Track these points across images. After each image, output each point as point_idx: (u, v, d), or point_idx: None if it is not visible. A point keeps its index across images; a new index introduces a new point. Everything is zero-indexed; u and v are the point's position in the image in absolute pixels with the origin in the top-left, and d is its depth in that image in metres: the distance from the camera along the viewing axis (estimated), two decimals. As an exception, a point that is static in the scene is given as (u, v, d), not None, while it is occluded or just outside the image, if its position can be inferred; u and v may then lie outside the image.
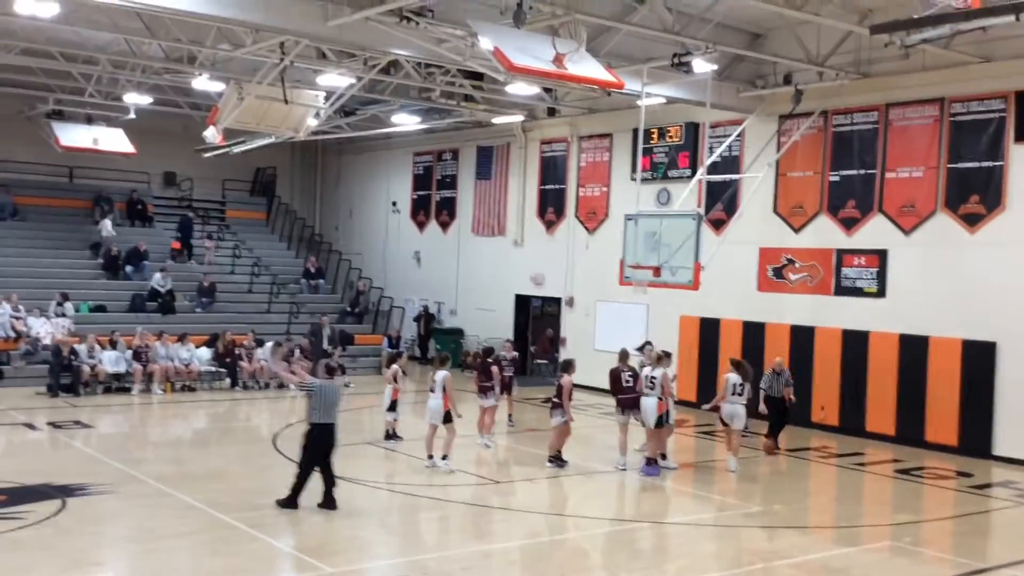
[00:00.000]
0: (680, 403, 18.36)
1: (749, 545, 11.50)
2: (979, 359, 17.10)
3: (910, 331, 18.09)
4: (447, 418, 14.41)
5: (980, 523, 13.26)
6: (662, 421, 14.82)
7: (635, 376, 15.22)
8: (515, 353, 18.42)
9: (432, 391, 14.48)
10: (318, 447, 11.88)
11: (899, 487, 15.18)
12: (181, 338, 22.51)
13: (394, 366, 16.58)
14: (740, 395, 15.26)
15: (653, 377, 14.89)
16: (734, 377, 15.35)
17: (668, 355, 15.43)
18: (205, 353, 22.74)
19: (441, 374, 14.40)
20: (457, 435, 14.67)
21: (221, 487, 13.03)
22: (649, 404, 14.82)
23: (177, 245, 28.19)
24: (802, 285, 19.99)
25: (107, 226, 27.64)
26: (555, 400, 14.90)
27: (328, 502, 11.85)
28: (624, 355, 15.60)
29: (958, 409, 17.28)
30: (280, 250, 31.47)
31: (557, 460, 15.01)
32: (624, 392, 15.17)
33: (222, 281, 27.17)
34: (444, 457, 14.36)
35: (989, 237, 17.27)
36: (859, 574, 9.78)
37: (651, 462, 14.86)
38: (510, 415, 18.31)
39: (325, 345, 23.01)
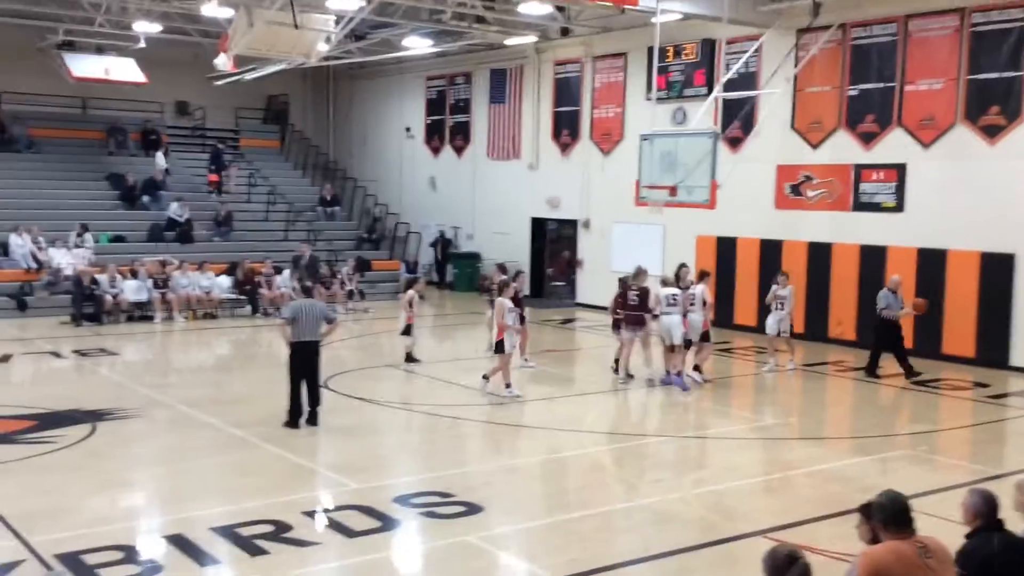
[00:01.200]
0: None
1: (765, 456, 11.69)
2: (997, 271, 17.08)
3: (928, 245, 18.06)
4: (499, 347, 14.14)
5: (996, 431, 13.41)
6: (708, 336, 15.31)
7: (642, 295, 15.38)
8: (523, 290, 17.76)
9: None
10: (298, 365, 12.14)
11: (916, 398, 15.31)
12: (200, 267, 22.71)
13: (410, 291, 16.74)
14: (675, 305, 15.27)
15: (675, 295, 15.14)
16: (666, 290, 15.40)
17: (708, 274, 15.90)
18: (225, 281, 22.97)
19: (498, 301, 14.36)
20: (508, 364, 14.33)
21: (246, 410, 13.28)
22: (674, 321, 15.13)
23: (215, 178, 27.99)
24: (820, 202, 19.91)
25: (160, 160, 27.62)
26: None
27: (311, 418, 12.22)
28: (637, 274, 15.68)
29: (975, 321, 17.32)
30: (295, 178, 31.49)
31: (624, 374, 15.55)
32: (629, 309, 15.43)
33: (239, 210, 27.29)
34: (508, 385, 14.04)
35: (1009, 149, 17.11)
36: (874, 481, 9.93)
37: (679, 374, 15.21)
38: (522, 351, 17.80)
39: (302, 274, 22.34)
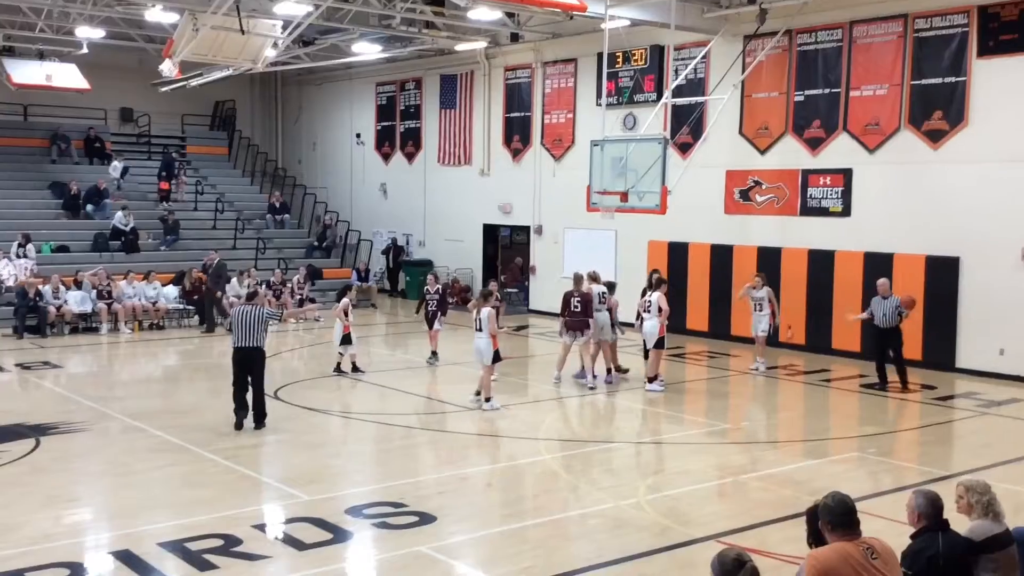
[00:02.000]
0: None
1: (718, 460, 11.81)
2: (942, 274, 17.44)
3: (875, 249, 18.39)
4: (496, 357, 13.99)
5: (943, 433, 13.68)
6: (662, 343, 15.53)
7: (584, 301, 15.74)
8: (439, 286, 18.10)
9: (479, 330, 13.96)
10: (238, 369, 12.61)
11: (865, 401, 15.57)
12: (147, 276, 22.42)
13: (344, 300, 16.53)
14: (603, 303, 16.07)
15: (650, 300, 15.57)
16: (597, 287, 16.19)
17: (664, 281, 16.14)
18: (172, 291, 22.69)
19: (485, 311, 13.94)
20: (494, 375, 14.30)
21: (194, 422, 13.14)
22: (649, 326, 15.51)
23: (166, 185, 27.60)
24: (769, 206, 20.18)
25: (116, 168, 27.22)
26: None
27: (256, 421, 12.67)
28: (578, 279, 16.12)
29: (922, 324, 17.65)
30: (243, 185, 31.23)
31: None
32: (571, 315, 15.79)
33: (186, 218, 26.99)
34: (487, 400, 13.97)
35: (952, 154, 17.48)
36: (824, 484, 10.07)
37: (652, 380, 15.55)
38: (433, 352, 17.71)
39: (208, 282, 21.94)
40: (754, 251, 20.19)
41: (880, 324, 15.76)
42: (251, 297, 13.48)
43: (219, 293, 21.74)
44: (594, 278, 16.34)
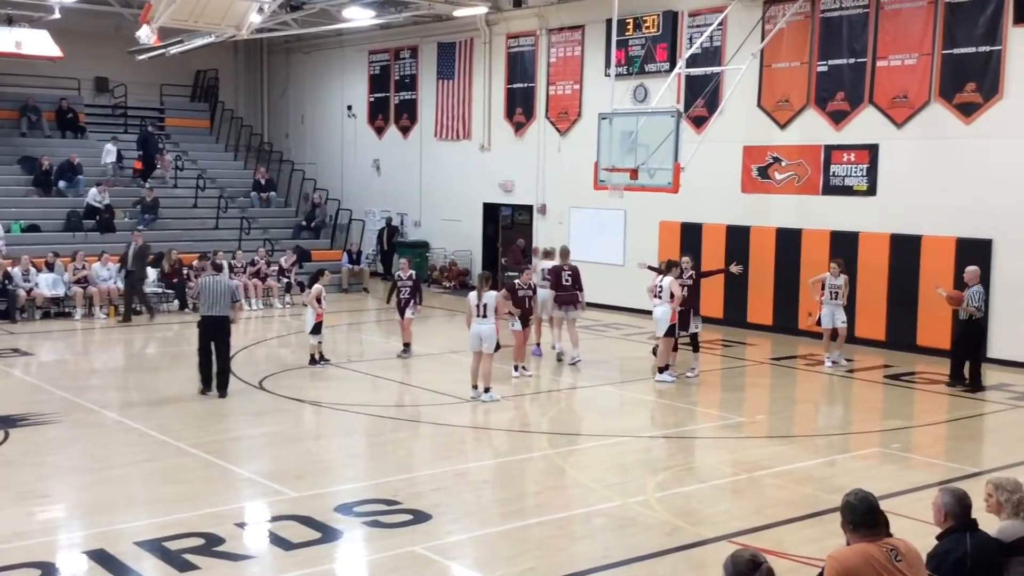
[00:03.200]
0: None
1: (732, 456, 11.83)
2: (974, 258, 17.34)
3: (902, 230, 18.36)
4: (497, 345, 14.03)
5: (973, 427, 13.70)
6: (673, 331, 15.46)
7: (574, 275, 16.64)
8: (412, 272, 17.56)
9: (483, 316, 13.91)
10: (205, 336, 14.02)
11: (889, 393, 15.59)
12: (122, 258, 22.40)
13: (316, 286, 16.41)
14: (547, 280, 16.88)
15: (661, 285, 15.54)
16: (545, 263, 17.33)
17: (676, 264, 16.05)
18: (150, 273, 22.69)
19: (490, 295, 13.92)
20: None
21: (174, 413, 13.18)
22: (660, 312, 15.49)
23: (139, 165, 27.46)
24: (789, 185, 20.15)
25: (110, 151, 27.16)
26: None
27: (219, 387, 13.96)
28: (565, 252, 17.07)
29: (952, 311, 17.61)
30: (226, 160, 31.21)
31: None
32: (562, 289, 16.50)
33: (164, 196, 26.97)
34: (487, 390, 14.02)
35: (986, 128, 17.43)
36: (844, 481, 10.09)
37: (662, 370, 15.60)
38: (406, 344, 17.43)
39: (130, 265, 21.48)
40: (773, 232, 20.18)
41: (978, 317, 15.31)
42: (218, 268, 14.95)
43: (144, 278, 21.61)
44: (547, 254, 17.70)
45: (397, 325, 17.61)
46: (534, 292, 16.27)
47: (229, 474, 10.73)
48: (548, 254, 17.54)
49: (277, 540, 8.66)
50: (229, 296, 14.03)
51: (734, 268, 17.28)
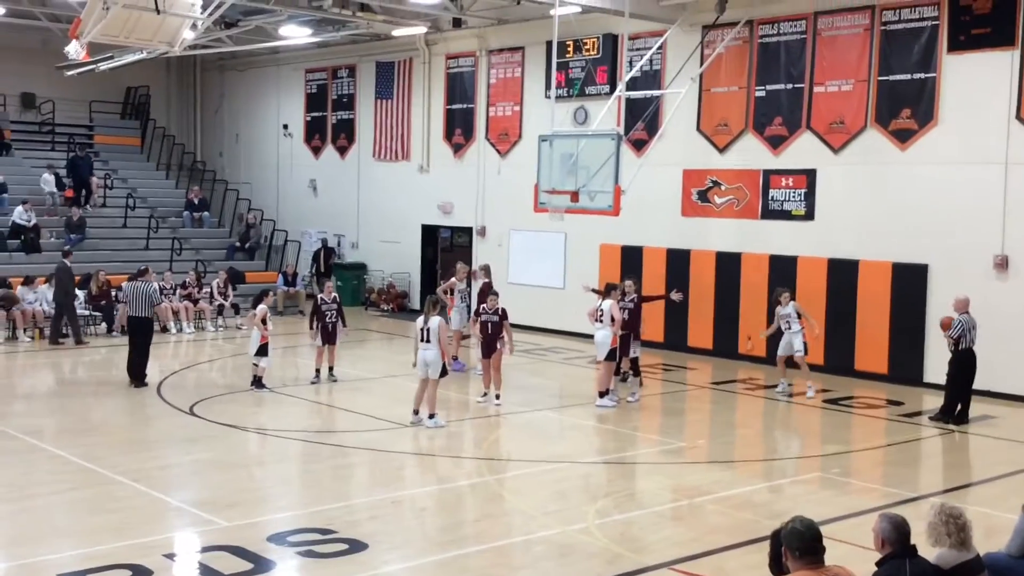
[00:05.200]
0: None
1: (672, 481, 11.87)
2: (910, 282, 17.75)
3: (839, 255, 18.66)
4: (444, 371, 13.92)
5: (911, 452, 13.91)
6: (614, 355, 15.44)
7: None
8: (335, 294, 17.41)
9: (426, 340, 13.78)
10: (131, 336, 16.83)
11: (828, 417, 15.78)
12: (49, 279, 21.94)
13: (261, 306, 16.21)
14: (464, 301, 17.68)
15: (602, 308, 15.51)
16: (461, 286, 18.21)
17: (615, 287, 15.98)
18: (78, 295, 22.22)
19: (435, 321, 13.81)
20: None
21: (101, 440, 12.93)
22: (600, 336, 15.43)
23: (71, 193, 26.65)
24: (728, 208, 20.39)
25: (49, 180, 26.51)
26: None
27: (136, 380, 16.39)
28: (486, 269, 18.44)
29: (888, 335, 17.95)
30: (158, 179, 30.82)
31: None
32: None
33: (93, 215, 26.51)
34: (432, 416, 13.91)
35: (921, 154, 17.81)
36: (784, 507, 10.20)
37: (602, 394, 15.55)
38: (331, 367, 17.06)
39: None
40: (713, 256, 20.39)
41: (966, 345, 14.88)
42: (142, 274, 17.12)
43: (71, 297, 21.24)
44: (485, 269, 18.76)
45: (316, 351, 17.05)
46: (502, 317, 15.72)
47: (158, 503, 10.50)
48: (485, 270, 18.47)
49: (207, 571, 8.49)
50: (151, 299, 16.77)
51: (675, 296, 17.25)
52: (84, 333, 21.38)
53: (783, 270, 19.24)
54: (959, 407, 14.96)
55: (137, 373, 16.42)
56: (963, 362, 14.93)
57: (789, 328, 16.60)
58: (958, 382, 14.97)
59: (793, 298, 16.83)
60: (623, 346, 15.71)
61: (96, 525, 9.66)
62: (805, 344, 16.61)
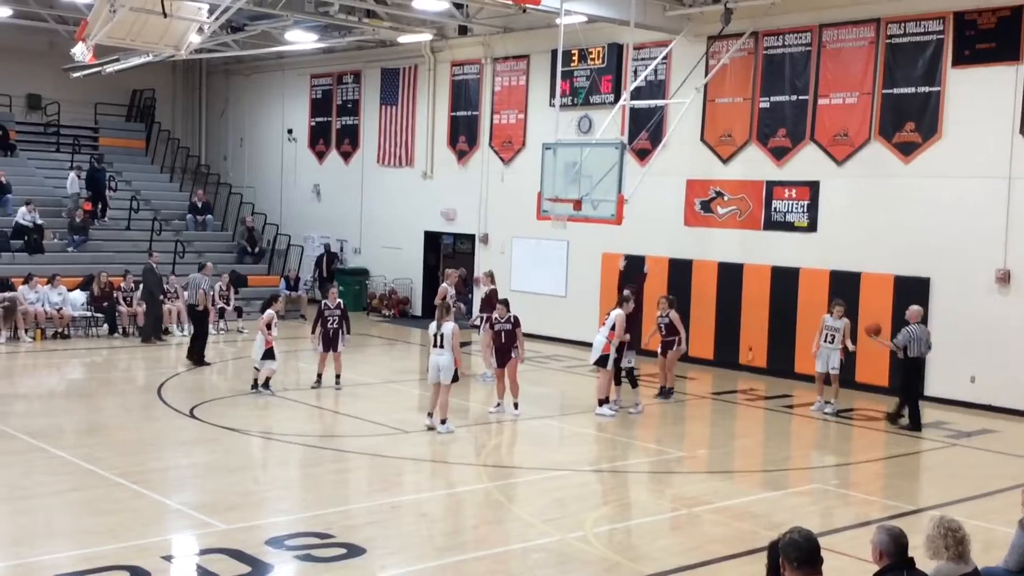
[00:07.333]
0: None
1: (671, 491, 11.87)
2: (912, 296, 17.68)
3: (841, 267, 18.66)
4: (455, 377, 13.91)
5: (910, 465, 13.90)
6: (605, 361, 15.37)
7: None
8: (340, 301, 17.19)
9: (439, 346, 13.79)
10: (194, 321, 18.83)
11: (829, 429, 15.76)
12: (51, 280, 21.99)
13: (269, 312, 16.19)
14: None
15: (608, 314, 15.61)
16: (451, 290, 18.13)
17: (628, 299, 15.86)
18: (79, 297, 22.29)
19: (449, 326, 13.79)
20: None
21: (101, 441, 12.93)
22: (595, 340, 15.54)
23: (88, 206, 26.29)
24: (731, 219, 20.40)
25: (75, 182, 26.58)
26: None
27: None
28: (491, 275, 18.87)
29: (890, 349, 17.89)
30: (162, 182, 30.85)
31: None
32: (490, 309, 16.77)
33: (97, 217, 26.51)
34: (443, 421, 13.89)
35: (924, 167, 17.83)
36: (783, 518, 10.20)
37: (602, 403, 15.55)
38: (337, 375, 16.98)
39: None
40: (715, 266, 20.40)
41: (914, 354, 15.51)
42: (202, 268, 19.57)
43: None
44: (490, 276, 19.22)
45: (318, 356, 16.96)
46: (515, 325, 15.64)
47: (157, 505, 10.51)
48: (490, 276, 18.85)
49: (205, 574, 8.50)
50: (200, 290, 19.25)
51: (646, 268, 17.99)
52: (85, 334, 21.42)
53: (785, 282, 19.25)
54: (907, 411, 15.50)
55: (195, 354, 18.86)
56: (910, 369, 15.64)
57: (832, 342, 16.27)
58: (907, 389, 15.64)
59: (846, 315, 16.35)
60: (620, 353, 15.63)
61: (95, 526, 9.66)
62: (841, 361, 16.37)
